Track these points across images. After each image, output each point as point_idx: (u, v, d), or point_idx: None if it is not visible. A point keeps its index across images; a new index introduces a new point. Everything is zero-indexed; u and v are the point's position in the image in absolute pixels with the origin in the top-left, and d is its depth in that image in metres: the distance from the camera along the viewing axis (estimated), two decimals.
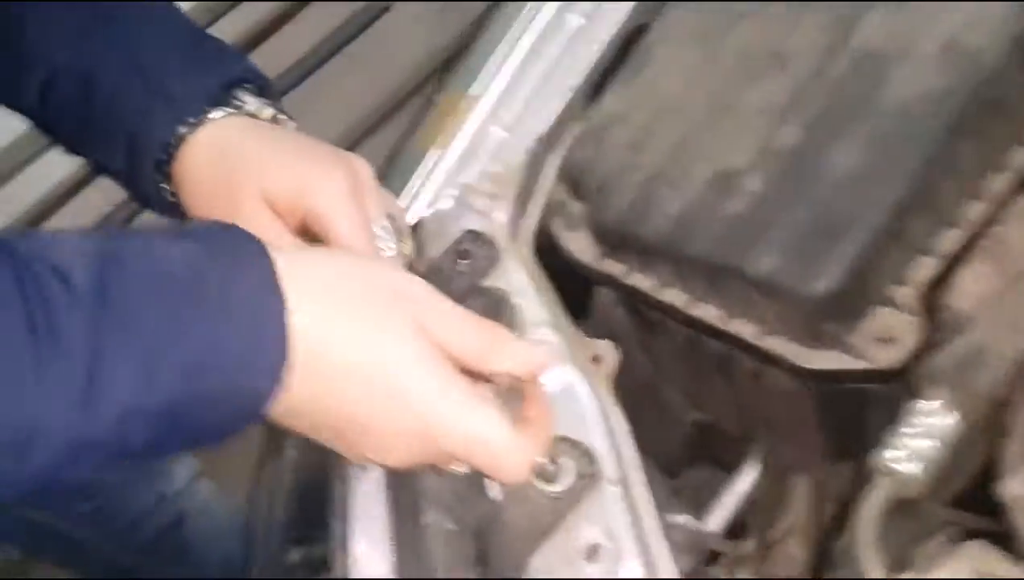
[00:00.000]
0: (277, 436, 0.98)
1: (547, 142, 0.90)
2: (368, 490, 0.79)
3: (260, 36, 1.83)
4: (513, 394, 0.63)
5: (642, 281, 0.79)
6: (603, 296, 0.89)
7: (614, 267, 0.81)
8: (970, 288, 0.74)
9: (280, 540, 0.97)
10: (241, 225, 0.60)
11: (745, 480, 0.93)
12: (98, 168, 0.80)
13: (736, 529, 0.94)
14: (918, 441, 0.64)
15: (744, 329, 0.74)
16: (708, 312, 0.75)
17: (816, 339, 0.71)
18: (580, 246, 0.83)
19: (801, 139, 0.73)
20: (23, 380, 0.49)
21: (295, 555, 0.95)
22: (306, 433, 0.60)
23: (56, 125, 0.79)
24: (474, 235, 0.86)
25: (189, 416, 0.54)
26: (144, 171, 0.74)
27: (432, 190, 0.90)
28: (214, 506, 1.40)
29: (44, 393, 0.50)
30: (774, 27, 0.78)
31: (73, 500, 1.19)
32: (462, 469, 0.63)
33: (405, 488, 0.78)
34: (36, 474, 0.52)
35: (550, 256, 0.89)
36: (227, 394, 0.55)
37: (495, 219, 0.87)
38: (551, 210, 0.86)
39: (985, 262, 0.78)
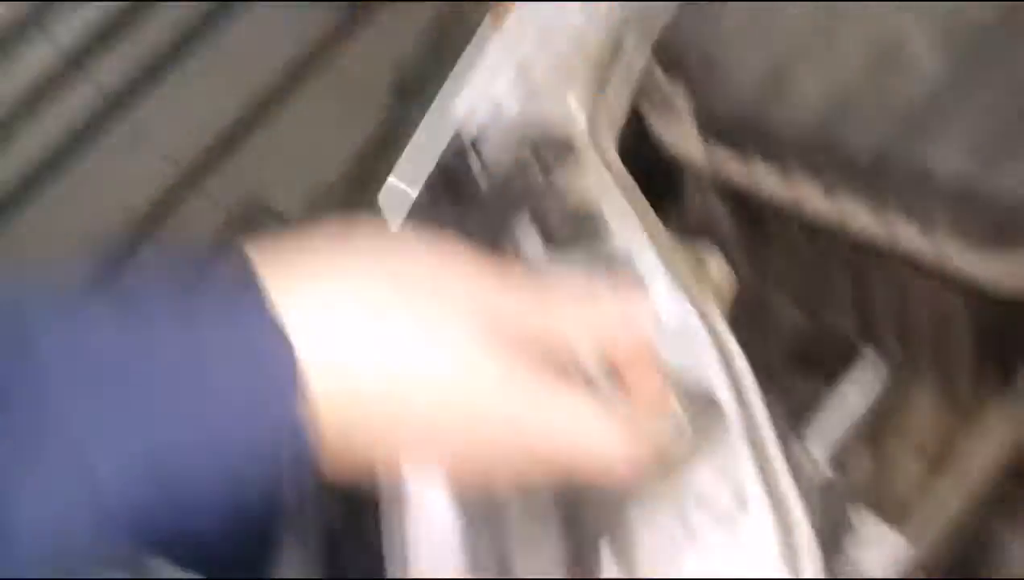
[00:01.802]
0: None
1: (636, 17, 0.75)
2: None
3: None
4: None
5: (769, 182, 0.64)
6: (696, 190, 0.75)
7: (729, 165, 0.66)
8: None
9: None
10: None
11: (860, 390, 0.81)
12: None
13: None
14: None
15: (911, 240, 0.60)
16: (862, 220, 0.61)
17: (999, 247, 0.57)
18: (683, 139, 0.68)
19: (1002, 12, 0.59)
20: None
21: None
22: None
23: None
24: (546, 136, 0.70)
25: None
26: None
27: (491, 78, 0.74)
28: None
29: None
30: None
31: None
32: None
33: None
34: None
35: (634, 150, 0.74)
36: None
37: (571, 113, 0.72)
38: (642, 95, 0.71)
39: None
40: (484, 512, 0.61)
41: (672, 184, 0.73)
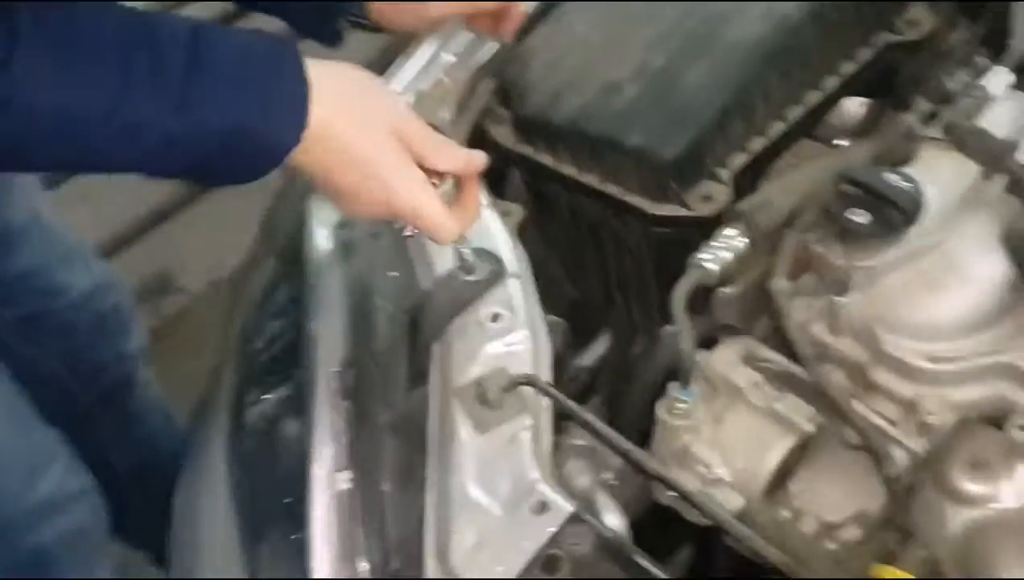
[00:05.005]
0: None
1: (485, 69, 1.22)
2: (330, 288, 1.08)
3: None
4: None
5: (546, 158, 1.10)
6: (511, 184, 1.20)
7: (526, 149, 1.11)
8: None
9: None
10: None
11: (598, 347, 1.24)
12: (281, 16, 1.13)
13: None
14: (720, 252, 0.96)
15: (614, 189, 1.05)
16: (591, 178, 1.07)
17: (662, 197, 1.03)
18: (503, 135, 1.14)
19: (665, 63, 1.06)
20: (138, 87, 0.79)
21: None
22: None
23: None
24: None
25: (235, 145, 0.83)
26: (329, 21, 1.10)
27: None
28: (153, 385, 1.65)
29: (149, 99, 0.80)
30: None
31: (53, 338, 1.42)
32: (410, 231, 0.94)
33: (360, 286, 1.07)
34: (143, 160, 0.83)
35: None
36: (262, 144, 0.84)
37: (441, 117, 1.18)
38: (484, 115, 1.17)
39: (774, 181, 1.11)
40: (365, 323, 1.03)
41: (499, 171, 1.18)
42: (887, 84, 1.18)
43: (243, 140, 0.83)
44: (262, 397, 1.12)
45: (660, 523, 0.97)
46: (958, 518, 0.87)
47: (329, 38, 1.18)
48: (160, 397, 1.65)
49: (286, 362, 1.13)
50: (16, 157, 0.85)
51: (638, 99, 1.05)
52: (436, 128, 1.15)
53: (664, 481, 0.88)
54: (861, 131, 1.25)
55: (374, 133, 0.88)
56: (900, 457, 0.90)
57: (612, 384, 1.23)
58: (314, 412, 0.99)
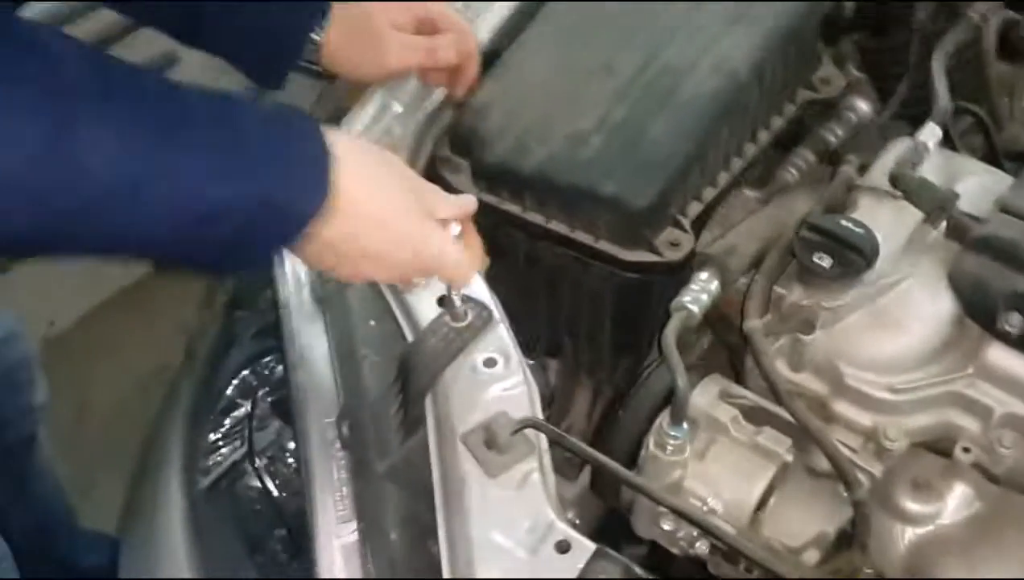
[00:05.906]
0: None
1: (431, 118, 1.24)
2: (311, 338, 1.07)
3: None
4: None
5: (512, 206, 1.13)
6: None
7: (489, 197, 1.15)
8: (706, 238, 1.15)
9: None
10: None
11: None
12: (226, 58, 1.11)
13: None
14: (699, 294, 1.03)
15: (584, 237, 1.10)
16: (559, 226, 1.11)
17: (632, 243, 1.09)
18: (462, 184, 1.17)
19: (627, 114, 1.12)
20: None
21: None
22: (327, 264, 0.88)
23: (200, 35, 1.10)
24: None
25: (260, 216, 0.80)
26: (277, 63, 1.10)
27: None
28: (48, 444, 1.57)
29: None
30: (607, 46, 1.18)
31: None
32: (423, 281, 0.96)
33: (343, 336, 1.07)
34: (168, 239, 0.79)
35: None
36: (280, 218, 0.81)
37: None
38: (438, 164, 1.19)
39: (714, 228, 1.19)
40: (352, 373, 1.03)
41: None
42: (795, 139, 1.29)
43: (268, 210, 0.80)
44: (219, 455, 1.11)
45: None
46: (903, 536, 0.96)
47: (272, 81, 1.17)
48: (52, 457, 1.57)
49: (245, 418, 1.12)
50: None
51: (605, 149, 1.10)
52: None
53: (696, 522, 0.94)
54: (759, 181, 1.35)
55: (395, 193, 0.89)
56: (864, 482, 0.99)
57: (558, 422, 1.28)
58: (311, 464, 0.98)
